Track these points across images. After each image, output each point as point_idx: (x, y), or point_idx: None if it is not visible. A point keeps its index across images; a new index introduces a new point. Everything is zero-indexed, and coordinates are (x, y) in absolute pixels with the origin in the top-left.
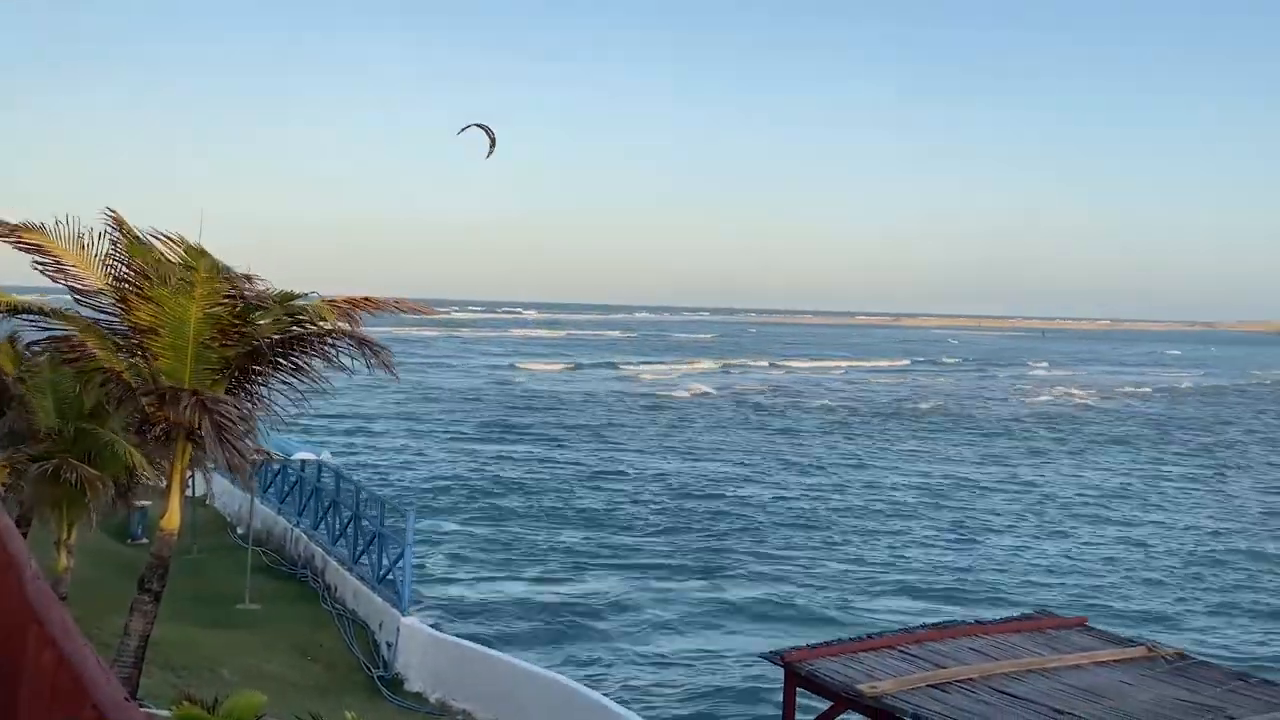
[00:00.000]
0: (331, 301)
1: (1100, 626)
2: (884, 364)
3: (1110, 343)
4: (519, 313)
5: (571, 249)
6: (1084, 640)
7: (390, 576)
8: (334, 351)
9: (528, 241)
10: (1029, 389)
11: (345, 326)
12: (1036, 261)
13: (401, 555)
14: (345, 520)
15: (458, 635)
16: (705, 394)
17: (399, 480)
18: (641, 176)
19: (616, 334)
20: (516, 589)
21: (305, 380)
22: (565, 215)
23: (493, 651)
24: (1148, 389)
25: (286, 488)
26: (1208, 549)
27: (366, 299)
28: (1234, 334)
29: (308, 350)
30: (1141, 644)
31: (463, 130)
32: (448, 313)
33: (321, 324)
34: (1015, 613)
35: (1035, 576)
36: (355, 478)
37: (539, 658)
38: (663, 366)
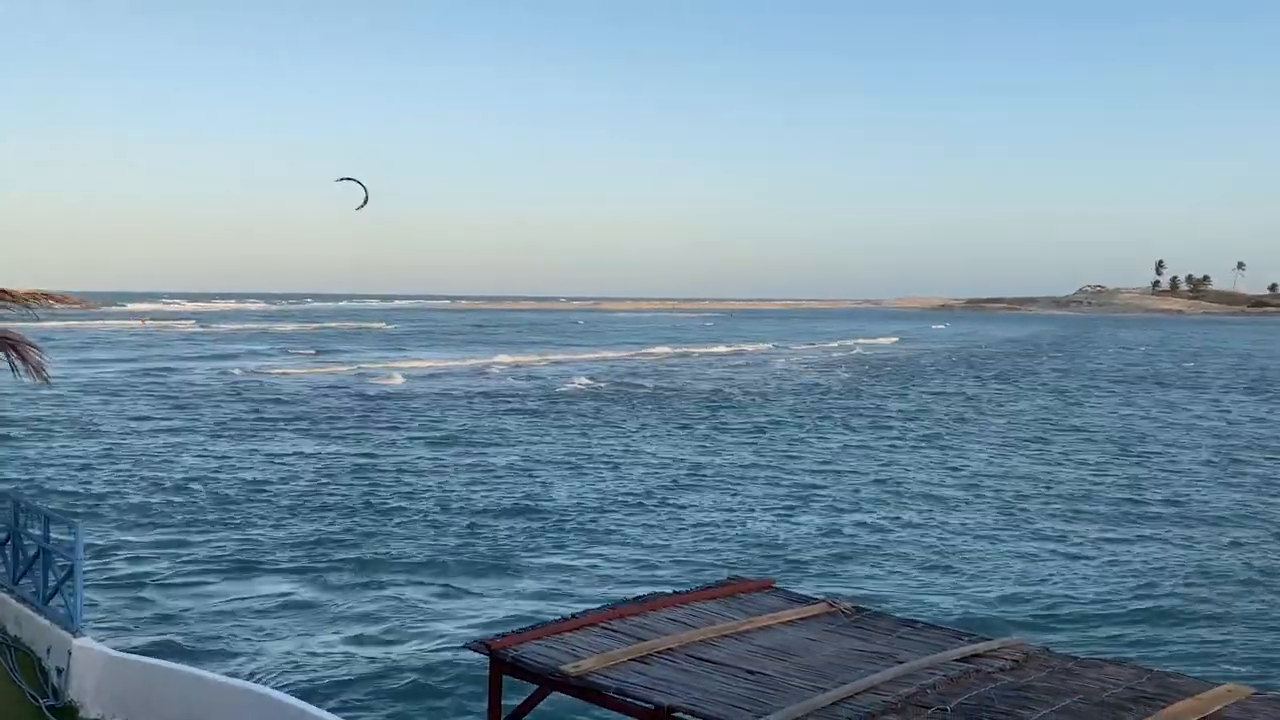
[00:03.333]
0: None
1: (785, 587)
2: (663, 350)
3: (806, 320)
4: (234, 304)
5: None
6: (772, 601)
7: (59, 595)
8: None
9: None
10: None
11: None
12: (714, 247)
13: (70, 572)
14: (1, 538)
15: (143, 651)
16: (591, 386)
17: (105, 493)
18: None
19: (382, 325)
20: (211, 597)
21: None
22: (240, 202)
23: (182, 666)
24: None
25: None
26: (887, 505)
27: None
28: (899, 310)
29: None
30: (822, 600)
31: (340, 180)
32: (122, 305)
33: None
34: (712, 580)
35: (756, 547)
36: (8, 489)
37: (235, 668)
38: (528, 359)
